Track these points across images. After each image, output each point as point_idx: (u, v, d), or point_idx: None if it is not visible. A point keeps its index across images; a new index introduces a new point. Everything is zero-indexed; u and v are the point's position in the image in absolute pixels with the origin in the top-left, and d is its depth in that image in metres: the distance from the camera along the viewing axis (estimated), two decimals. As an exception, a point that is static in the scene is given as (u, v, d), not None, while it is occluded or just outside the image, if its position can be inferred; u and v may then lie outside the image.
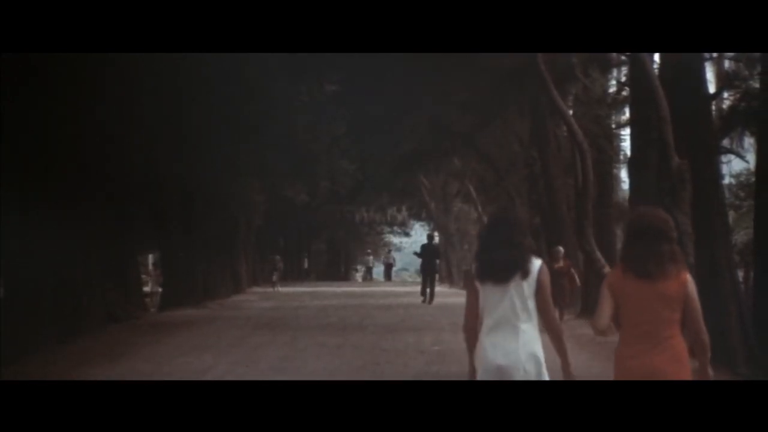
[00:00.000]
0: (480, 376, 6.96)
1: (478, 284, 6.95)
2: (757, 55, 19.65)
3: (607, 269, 25.92)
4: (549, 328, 6.97)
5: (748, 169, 33.55)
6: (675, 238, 6.79)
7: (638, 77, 23.19)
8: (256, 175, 40.74)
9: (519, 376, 6.83)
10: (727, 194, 24.88)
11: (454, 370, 16.75)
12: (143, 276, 40.17)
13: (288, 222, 64.86)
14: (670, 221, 6.93)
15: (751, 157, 23.18)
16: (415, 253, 37.15)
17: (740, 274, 20.02)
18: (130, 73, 19.68)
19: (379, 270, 77.24)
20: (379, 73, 28.37)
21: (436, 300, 37.31)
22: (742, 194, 37.97)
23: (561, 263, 24.26)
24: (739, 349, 16.46)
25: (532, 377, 6.84)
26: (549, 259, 25.00)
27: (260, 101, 26.61)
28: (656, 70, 21.84)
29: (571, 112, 29.47)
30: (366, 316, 29.76)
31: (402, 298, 40.04)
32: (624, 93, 29.61)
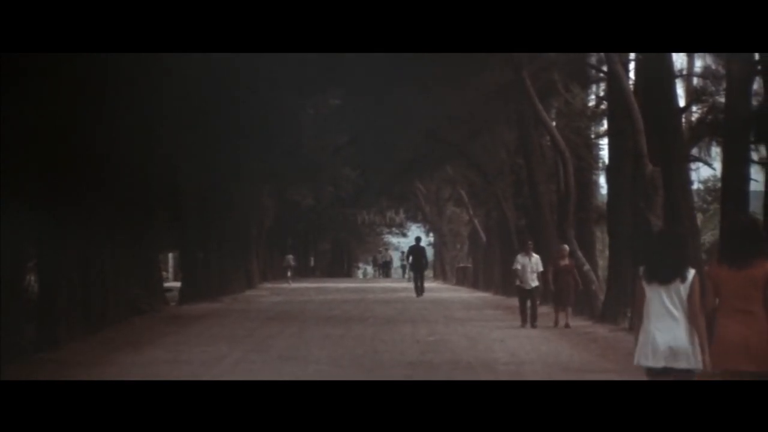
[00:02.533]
0: (646, 354, 8.20)
1: (645, 284, 8.24)
2: (722, 72, 19.66)
3: (587, 267, 25.93)
4: (693, 321, 8.09)
5: (714, 176, 33.60)
6: (762, 236, 8.17)
7: (615, 92, 23.22)
8: (267, 181, 40.77)
9: (683, 354, 8.06)
10: (695, 199, 24.86)
11: (447, 358, 16.75)
12: (164, 273, 40.16)
13: (295, 224, 64.79)
14: (759, 223, 8.41)
15: (718, 165, 23.17)
16: (402, 253, 37.77)
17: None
18: (157, 88, 19.67)
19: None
20: (378, 88, 28.37)
21: (431, 294, 37.33)
22: (709, 198, 38.04)
23: (566, 261, 23.45)
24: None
25: (690, 355, 8.05)
26: (554, 257, 24.47)
27: (270, 114, 26.63)
28: (631, 86, 21.86)
29: (553, 123, 29.49)
30: (366, 309, 29.74)
31: (399, 293, 40.01)
32: (602, 107, 29.59)
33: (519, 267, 23.13)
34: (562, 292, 22.78)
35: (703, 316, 8.06)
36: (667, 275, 8.13)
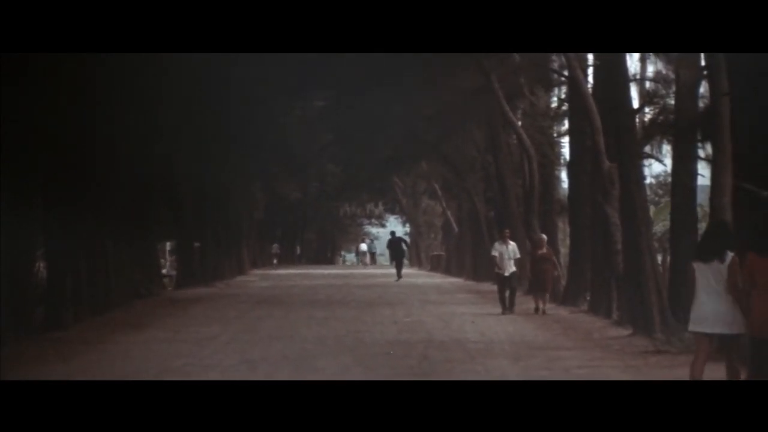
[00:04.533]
0: (696, 321, 9.46)
1: (694, 264, 9.47)
2: (672, 77, 19.79)
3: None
4: (733, 294, 9.27)
5: (665, 171, 33.77)
6: None
7: (575, 95, 23.32)
8: (257, 177, 40.77)
9: (724, 321, 9.25)
10: (648, 192, 24.98)
11: (422, 337, 16.81)
12: (162, 260, 40.06)
13: (283, 215, 64.72)
14: None
15: (668, 161, 23.33)
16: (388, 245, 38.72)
17: (659, 257, 20.13)
18: (156, 93, 19.65)
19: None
20: (359, 92, 28.41)
21: (409, 280, 37.37)
22: (660, 192, 38.26)
23: (544, 249, 22.68)
24: (657, 318, 16.57)
25: (730, 322, 9.26)
26: (533, 246, 23.79)
27: (261, 116, 26.67)
28: (590, 90, 21.98)
29: (519, 123, 29.59)
30: (348, 293, 29.73)
31: (379, 278, 40.06)
32: (563, 108, 29.69)
33: (496, 254, 22.24)
34: (539, 279, 22.16)
35: (742, 291, 9.16)
36: (708, 256, 9.35)
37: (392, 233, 42.95)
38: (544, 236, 23.80)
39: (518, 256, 22.42)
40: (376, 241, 76.87)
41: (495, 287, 23.18)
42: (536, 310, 21.81)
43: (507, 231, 23.75)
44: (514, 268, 22.02)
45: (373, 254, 72.14)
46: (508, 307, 21.79)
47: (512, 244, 22.39)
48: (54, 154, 18.25)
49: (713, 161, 15.68)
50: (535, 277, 22.41)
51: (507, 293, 21.96)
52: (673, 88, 19.66)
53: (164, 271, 36.95)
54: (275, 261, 55.60)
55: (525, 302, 23.35)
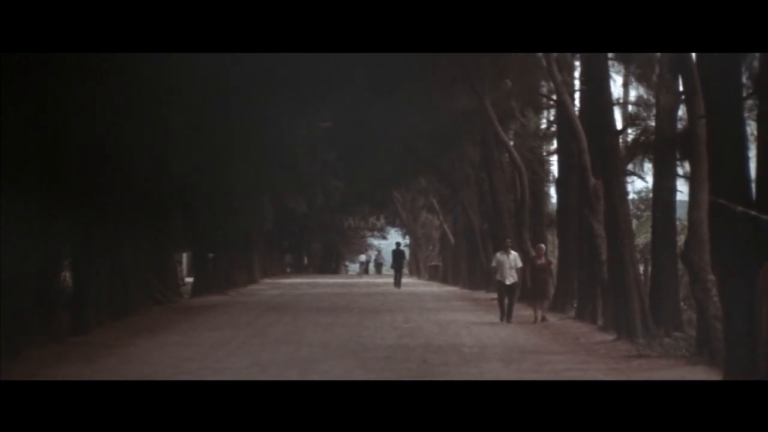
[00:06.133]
0: None
1: None
2: (652, 101, 19.90)
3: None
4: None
5: (647, 188, 33.88)
6: None
7: (563, 117, 23.42)
8: (267, 191, 40.78)
9: None
10: (630, 207, 25.03)
11: (421, 342, 16.84)
12: (178, 269, 40.10)
13: (291, 227, 64.72)
14: None
15: (649, 178, 23.37)
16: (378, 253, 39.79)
17: (641, 268, 20.17)
18: (173, 118, 19.69)
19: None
20: (362, 112, 28.50)
21: (408, 289, 37.40)
22: (642, 207, 38.30)
23: (542, 259, 21.86)
24: (639, 324, 16.62)
25: None
26: (532, 255, 22.82)
27: (270, 135, 26.76)
28: (577, 112, 22.08)
29: (511, 143, 29.68)
30: (352, 301, 29.74)
31: (381, 287, 40.08)
32: (552, 129, 29.76)
33: (495, 264, 21.50)
34: (538, 288, 21.32)
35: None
36: None
37: (397, 244, 44.58)
38: (543, 246, 23.06)
39: (520, 265, 21.42)
40: (382, 253, 76.88)
41: (489, 295, 23.02)
42: (535, 319, 20.88)
43: (508, 241, 22.82)
44: (515, 278, 21.13)
45: (380, 265, 72.13)
46: (506, 315, 20.90)
47: (513, 254, 21.52)
48: (81, 175, 18.35)
49: (691, 178, 15.73)
50: (533, 286, 21.59)
51: (506, 301, 21.07)
52: (654, 112, 19.77)
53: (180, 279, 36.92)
54: (288, 270, 56.69)
55: (519, 309, 23.29)
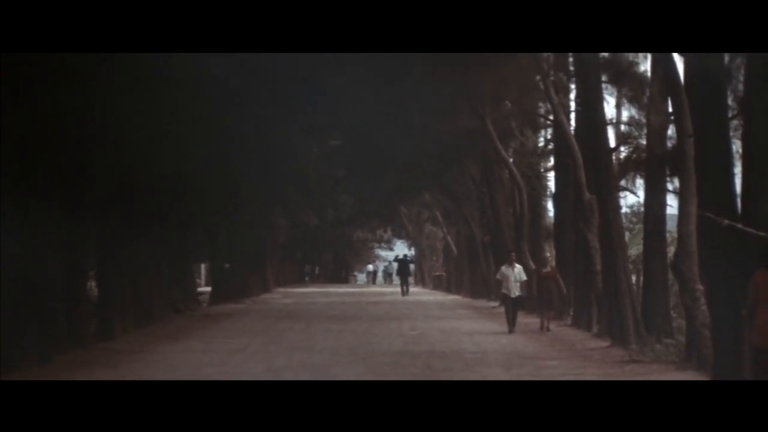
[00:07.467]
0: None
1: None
2: (643, 121, 19.95)
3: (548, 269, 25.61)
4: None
5: (638, 202, 33.85)
6: None
7: (560, 136, 23.47)
8: (280, 205, 40.88)
9: None
10: (623, 220, 25.04)
11: (426, 348, 16.87)
12: (198, 280, 40.20)
13: (303, 239, 64.76)
14: None
15: (641, 193, 23.39)
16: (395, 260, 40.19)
17: (633, 278, 20.17)
18: (186, 140, 19.68)
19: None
20: (370, 131, 28.57)
21: (414, 297, 37.39)
22: (634, 220, 38.29)
23: (548, 268, 21.40)
24: (632, 330, 16.62)
25: None
26: (537, 264, 22.39)
27: (283, 153, 26.87)
28: (572, 131, 22.14)
29: (511, 160, 29.73)
30: (361, 309, 29.74)
31: (387, 296, 40.08)
32: (549, 147, 29.81)
33: (499, 277, 20.82)
34: (544, 298, 20.81)
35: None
36: None
37: (404, 255, 46.11)
38: (548, 254, 22.65)
39: (524, 278, 20.65)
40: (383, 263, 76.84)
41: (490, 304, 22.86)
42: (542, 327, 20.35)
43: (513, 254, 21.83)
44: (519, 291, 20.33)
45: (390, 275, 72.10)
46: (511, 325, 20.19)
47: (518, 267, 20.81)
48: (109, 190, 18.41)
49: (680, 193, 15.75)
50: (540, 295, 21.12)
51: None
52: (645, 131, 19.82)
53: (199, 289, 36.99)
54: (307, 278, 57.60)
55: (524, 317, 23.17)
